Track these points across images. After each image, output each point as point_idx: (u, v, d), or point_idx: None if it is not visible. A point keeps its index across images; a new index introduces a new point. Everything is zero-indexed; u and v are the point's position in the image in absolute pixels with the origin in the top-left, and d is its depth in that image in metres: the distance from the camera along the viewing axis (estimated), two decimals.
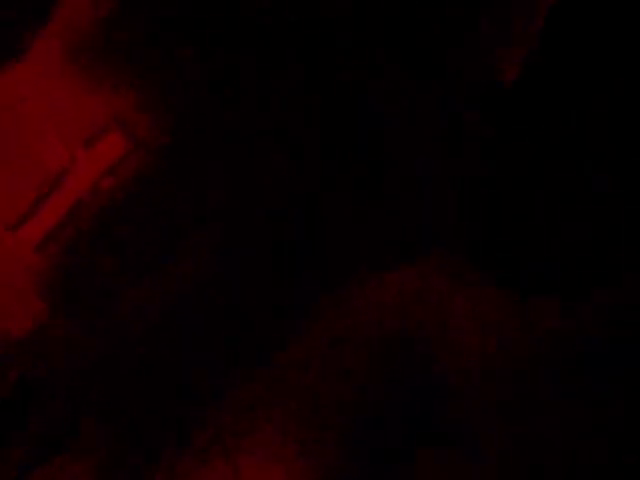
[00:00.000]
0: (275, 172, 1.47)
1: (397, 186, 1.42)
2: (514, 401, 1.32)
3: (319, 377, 1.39)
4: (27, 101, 1.46)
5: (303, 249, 1.44)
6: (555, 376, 1.31)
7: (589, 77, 1.34)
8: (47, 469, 1.46)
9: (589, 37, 1.33)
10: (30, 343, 1.48)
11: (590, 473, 1.26)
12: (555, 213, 1.40)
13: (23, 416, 1.47)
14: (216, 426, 1.42)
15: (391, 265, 1.42)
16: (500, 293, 1.36)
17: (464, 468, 1.30)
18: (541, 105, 1.36)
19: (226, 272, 1.47)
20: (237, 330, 1.46)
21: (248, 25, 1.42)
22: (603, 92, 1.35)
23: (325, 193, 1.42)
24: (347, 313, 1.42)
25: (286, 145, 1.47)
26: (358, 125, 1.44)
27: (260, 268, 1.46)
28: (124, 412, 1.47)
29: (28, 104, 1.46)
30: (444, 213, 1.41)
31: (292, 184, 1.47)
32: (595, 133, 1.38)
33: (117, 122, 1.46)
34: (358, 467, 1.35)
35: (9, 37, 1.44)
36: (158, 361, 1.48)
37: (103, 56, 1.45)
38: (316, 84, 1.44)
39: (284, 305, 1.45)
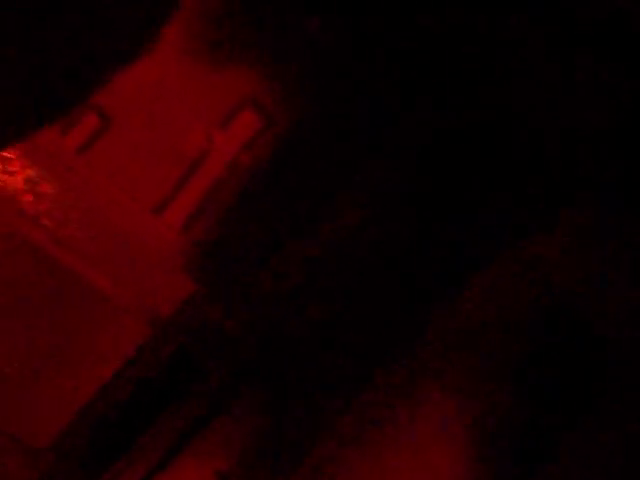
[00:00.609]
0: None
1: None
2: None
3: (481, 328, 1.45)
4: (162, 89, 1.53)
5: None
6: None
7: None
8: (207, 431, 1.51)
9: None
10: (182, 318, 1.53)
11: None
12: None
13: (185, 384, 1.52)
14: (383, 387, 1.46)
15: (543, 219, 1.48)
16: None
17: None
18: None
19: (369, 245, 1.53)
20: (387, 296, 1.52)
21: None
22: None
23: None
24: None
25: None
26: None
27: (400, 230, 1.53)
28: (283, 378, 1.52)
29: (163, 92, 1.53)
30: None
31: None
32: None
33: (249, 100, 1.53)
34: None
35: (140, 31, 1.51)
36: (304, 331, 1.53)
37: (230, 37, 1.52)
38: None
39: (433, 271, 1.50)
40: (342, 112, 1.53)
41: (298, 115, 1.53)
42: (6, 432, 1.52)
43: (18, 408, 1.52)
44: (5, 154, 1.47)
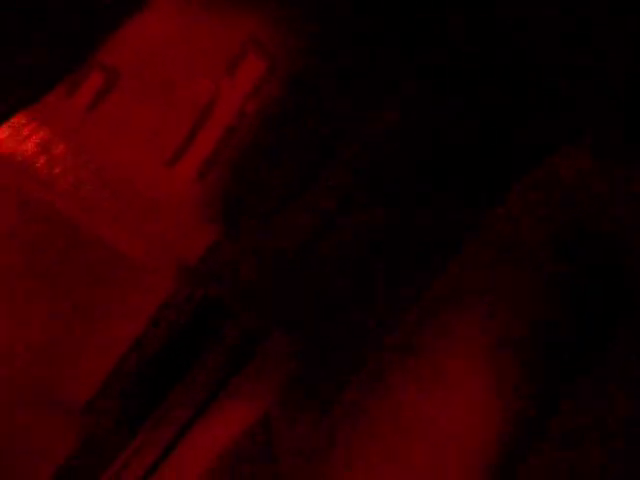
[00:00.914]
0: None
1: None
2: None
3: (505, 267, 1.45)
4: (165, 41, 1.53)
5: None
6: None
7: None
8: (243, 375, 1.51)
9: None
10: (205, 268, 1.54)
11: None
12: None
13: (215, 332, 1.52)
14: (408, 324, 1.47)
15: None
16: None
17: None
18: None
19: (375, 188, 1.54)
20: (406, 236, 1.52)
21: None
22: None
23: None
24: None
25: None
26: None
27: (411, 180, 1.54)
28: (310, 321, 1.53)
29: (167, 44, 1.53)
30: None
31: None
32: None
33: (252, 44, 1.54)
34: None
35: None
36: (331, 272, 1.54)
37: None
38: None
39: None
40: (346, 61, 1.54)
41: (302, 58, 1.53)
42: (41, 395, 1.52)
43: (50, 372, 1.52)
44: (14, 119, 1.47)
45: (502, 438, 1.36)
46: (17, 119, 1.48)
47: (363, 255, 1.53)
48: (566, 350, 1.41)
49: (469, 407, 1.38)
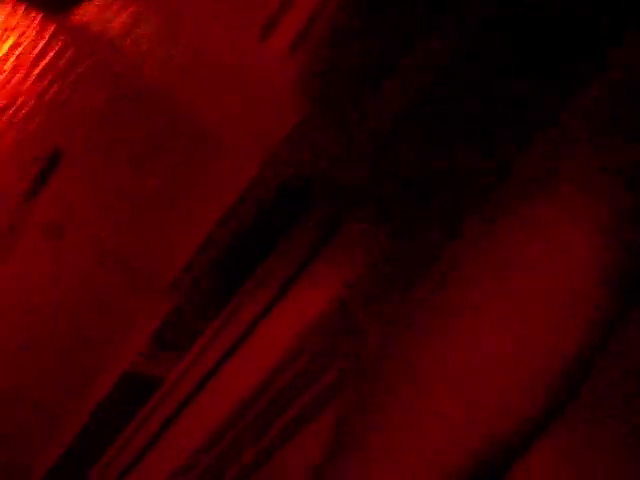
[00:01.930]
0: None
1: None
2: None
3: None
4: None
5: None
6: None
7: None
8: (329, 248, 1.48)
9: None
10: (294, 146, 1.50)
11: None
12: None
13: (297, 212, 1.49)
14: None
15: None
16: None
17: None
18: None
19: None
20: None
21: None
22: None
23: None
24: None
25: None
26: None
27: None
28: (394, 206, 1.49)
29: None
30: None
31: None
32: None
33: None
34: None
35: None
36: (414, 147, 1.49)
37: None
38: None
39: None
40: None
41: None
42: (131, 271, 1.53)
43: (139, 247, 1.53)
44: (98, 1, 1.45)
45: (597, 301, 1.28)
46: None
47: (453, 135, 1.47)
48: None
49: (568, 261, 1.31)
